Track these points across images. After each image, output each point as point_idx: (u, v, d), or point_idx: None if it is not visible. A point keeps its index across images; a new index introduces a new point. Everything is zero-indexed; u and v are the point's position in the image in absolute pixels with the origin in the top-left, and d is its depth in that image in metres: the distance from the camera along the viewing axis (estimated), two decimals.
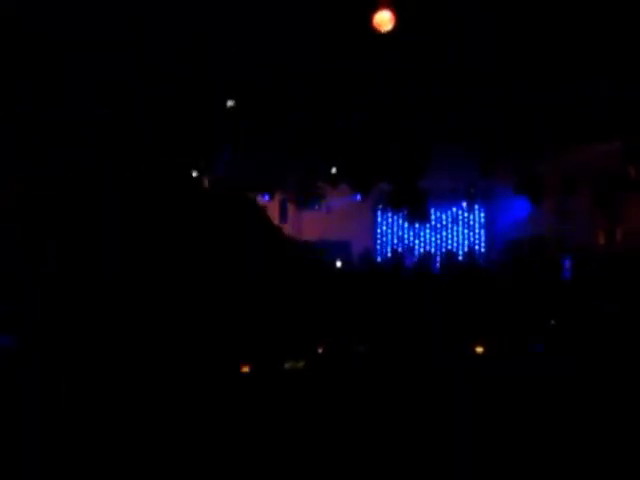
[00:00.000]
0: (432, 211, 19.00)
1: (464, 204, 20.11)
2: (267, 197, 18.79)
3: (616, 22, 6.67)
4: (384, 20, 6.35)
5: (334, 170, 15.06)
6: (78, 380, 1.76)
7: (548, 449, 4.85)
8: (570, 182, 16.78)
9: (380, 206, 20.14)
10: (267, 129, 10.60)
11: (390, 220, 20.52)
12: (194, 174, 15.55)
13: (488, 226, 20.24)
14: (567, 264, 14.90)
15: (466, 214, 20.40)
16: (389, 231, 20.58)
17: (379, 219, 20.71)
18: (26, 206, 1.87)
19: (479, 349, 6.66)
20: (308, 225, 20.04)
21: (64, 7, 4.28)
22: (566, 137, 11.94)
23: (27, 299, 1.77)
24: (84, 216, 1.88)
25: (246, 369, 5.35)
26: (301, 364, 5.49)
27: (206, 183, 16.45)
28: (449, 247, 19.89)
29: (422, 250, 19.77)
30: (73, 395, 1.75)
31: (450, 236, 20.12)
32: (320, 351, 6.12)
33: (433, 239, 20.14)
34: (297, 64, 7.80)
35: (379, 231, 20.82)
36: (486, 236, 20.07)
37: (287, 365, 5.40)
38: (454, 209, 20.26)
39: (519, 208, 18.82)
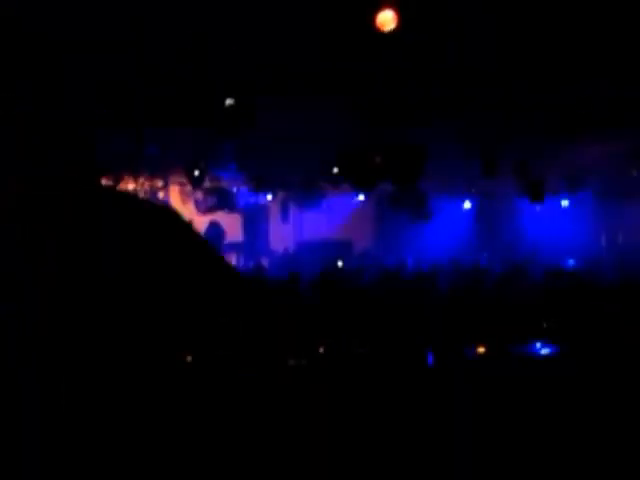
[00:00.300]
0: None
1: (467, 203, 20.09)
2: (269, 196, 18.83)
3: (616, 22, 6.67)
4: (387, 19, 6.35)
5: (335, 170, 15.08)
6: (78, 380, 1.76)
7: (548, 450, 4.85)
8: (572, 183, 16.84)
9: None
10: (267, 129, 10.60)
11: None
12: (196, 173, 15.61)
13: (490, 225, 20.25)
14: (569, 264, 14.93)
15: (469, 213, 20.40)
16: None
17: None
18: (26, 206, 1.87)
19: (481, 349, 6.67)
20: (309, 225, 20.07)
21: (64, 7, 4.28)
22: (568, 138, 11.95)
23: (27, 299, 1.78)
24: (84, 216, 1.89)
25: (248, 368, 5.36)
26: (303, 362, 5.49)
27: (207, 182, 16.51)
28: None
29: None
30: (73, 395, 1.75)
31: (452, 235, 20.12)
32: (321, 351, 6.13)
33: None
34: (297, 64, 7.80)
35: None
36: (488, 235, 20.07)
37: (291, 362, 5.40)
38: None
39: (521, 208, 18.83)
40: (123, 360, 1.76)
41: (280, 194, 19.18)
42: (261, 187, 17.16)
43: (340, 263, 16.89)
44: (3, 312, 1.75)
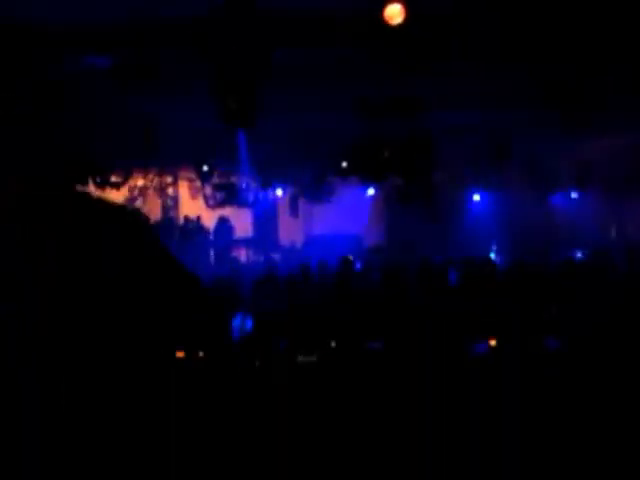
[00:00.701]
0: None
1: (477, 196, 20.01)
2: (280, 191, 18.86)
3: (620, 19, 6.64)
4: (395, 13, 6.33)
5: (344, 164, 15.09)
6: (78, 380, 1.77)
7: (548, 450, 4.84)
8: (582, 176, 16.80)
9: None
10: (275, 125, 10.60)
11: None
12: (205, 168, 15.63)
13: (499, 218, 20.15)
14: (577, 258, 14.88)
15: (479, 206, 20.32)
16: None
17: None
18: (26, 206, 1.88)
19: (492, 342, 6.64)
20: (319, 219, 20.07)
21: (64, 7, 4.28)
22: (577, 131, 11.90)
23: (27, 299, 1.78)
24: (84, 216, 1.89)
25: (257, 363, 5.37)
26: (314, 358, 5.50)
27: (216, 177, 16.54)
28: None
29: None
30: (73, 395, 1.76)
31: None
32: (333, 345, 6.13)
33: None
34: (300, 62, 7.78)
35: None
36: (498, 228, 19.98)
37: (300, 358, 5.41)
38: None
39: (531, 201, 18.76)
40: (122, 359, 1.76)
41: (289, 189, 19.20)
42: (270, 182, 17.19)
43: (351, 257, 16.88)
44: (3, 312, 1.76)
